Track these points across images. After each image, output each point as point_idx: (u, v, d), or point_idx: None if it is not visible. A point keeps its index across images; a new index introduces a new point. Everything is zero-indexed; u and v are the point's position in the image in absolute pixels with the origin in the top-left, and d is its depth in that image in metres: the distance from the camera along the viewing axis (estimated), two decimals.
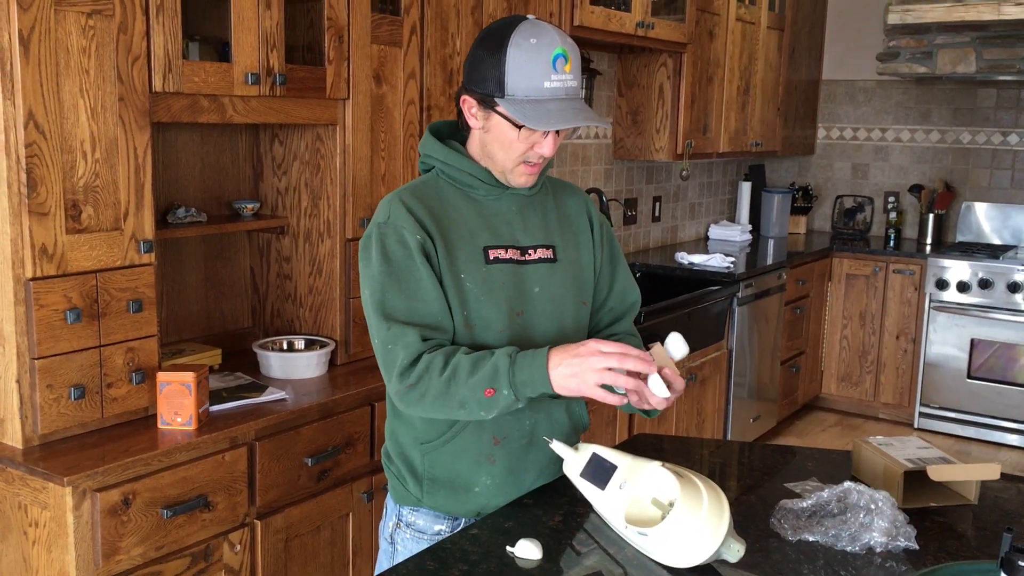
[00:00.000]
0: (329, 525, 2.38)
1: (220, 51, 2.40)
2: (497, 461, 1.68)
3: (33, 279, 1.91)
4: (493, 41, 1.58)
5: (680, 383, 1.57)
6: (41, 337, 1.92)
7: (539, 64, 1.55)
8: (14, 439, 1.95)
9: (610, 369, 1.46)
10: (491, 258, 1.65)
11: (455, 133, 1.73)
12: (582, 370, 1.47)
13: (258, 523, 2.19)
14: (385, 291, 1.59)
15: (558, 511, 1.63)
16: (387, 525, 1.79)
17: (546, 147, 1.62)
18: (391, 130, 2.71)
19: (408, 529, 1.74)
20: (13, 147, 1.86)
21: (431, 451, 1.69)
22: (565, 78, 1.57)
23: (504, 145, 1.62)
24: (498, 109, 1.59)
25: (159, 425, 2.09)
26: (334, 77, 2.50)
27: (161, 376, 2.09)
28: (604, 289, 1.84)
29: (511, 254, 1.67)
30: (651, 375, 1.50)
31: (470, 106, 1.64)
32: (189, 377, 2.08)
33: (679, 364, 1.64)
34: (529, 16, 1.61)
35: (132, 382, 2.10)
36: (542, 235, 1.72)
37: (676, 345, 1.59)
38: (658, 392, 1.51)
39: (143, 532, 1.94)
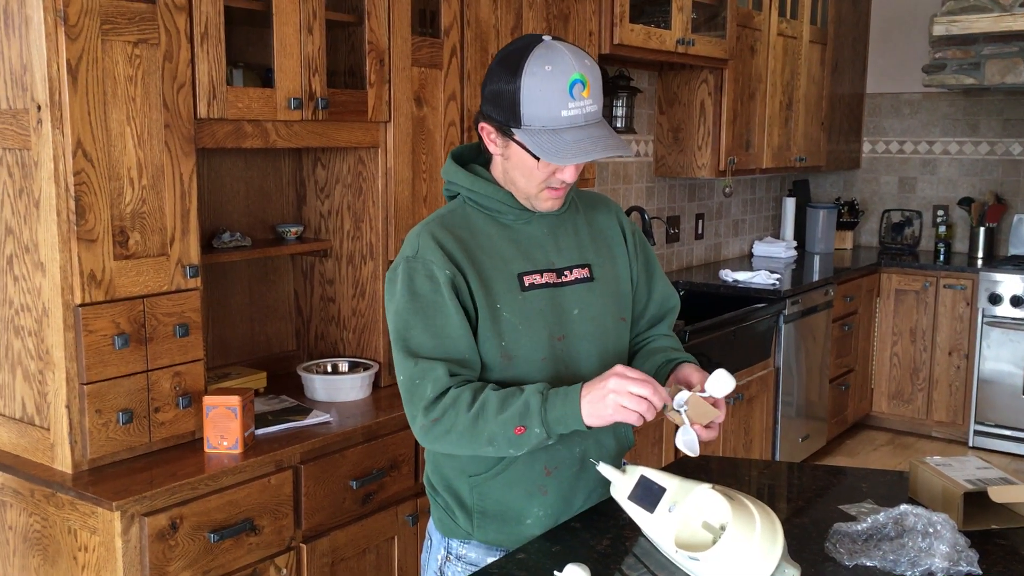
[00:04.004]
0: (375, 548, 2.37)
1: (263, 77, 2.43)
2: (549, 492, 1.65)
3: (82, 305, 1.93)
4: (508, 67, 1.53)
5: (707, 435, 1.55)
6: (90, 362, 1.95)
7: (555, 92, 1.50)
8: (64, 464, 1.97)
9: (631, 393, 1.45)
10: (527, 284, 1.62)
11: (477, 156, 1.70)
12: (604, 394, 1.46)
13: (304, 547, 2.19)
14: (410, 328, 1.56)
15: (606, 535, 1.60)
16: (434, 558, 1.74)
17: (568, 174, 1.58)
18: (432, 152, 2.72)
19: (459, 562, 1.70)
20: (62, 175, 1.89)
21: (480, 484, 1.65)
22: (584, 104, 1.51)
23: (525, 172, 1.59)
24: (515, 139, 1.55)
25: (206, 449, 2.10)
26: (375, 100, 2.52)
27: (207, 400, 2.10)
28: (643, 298, 1.81)
29: (547, 278, 1.64)
30: (683, 427, 1.52)
31: (488, 132, 1.61)
32: (235, 401, 2.09)
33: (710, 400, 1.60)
34: (545, 37, 1.55)
35: (179, 406, 2.11)
36: (577, 254, 1.69)
37: (721, 382, 1.56)
38: (684, 446, 1.52)
39: (190, 556, 1.95)
